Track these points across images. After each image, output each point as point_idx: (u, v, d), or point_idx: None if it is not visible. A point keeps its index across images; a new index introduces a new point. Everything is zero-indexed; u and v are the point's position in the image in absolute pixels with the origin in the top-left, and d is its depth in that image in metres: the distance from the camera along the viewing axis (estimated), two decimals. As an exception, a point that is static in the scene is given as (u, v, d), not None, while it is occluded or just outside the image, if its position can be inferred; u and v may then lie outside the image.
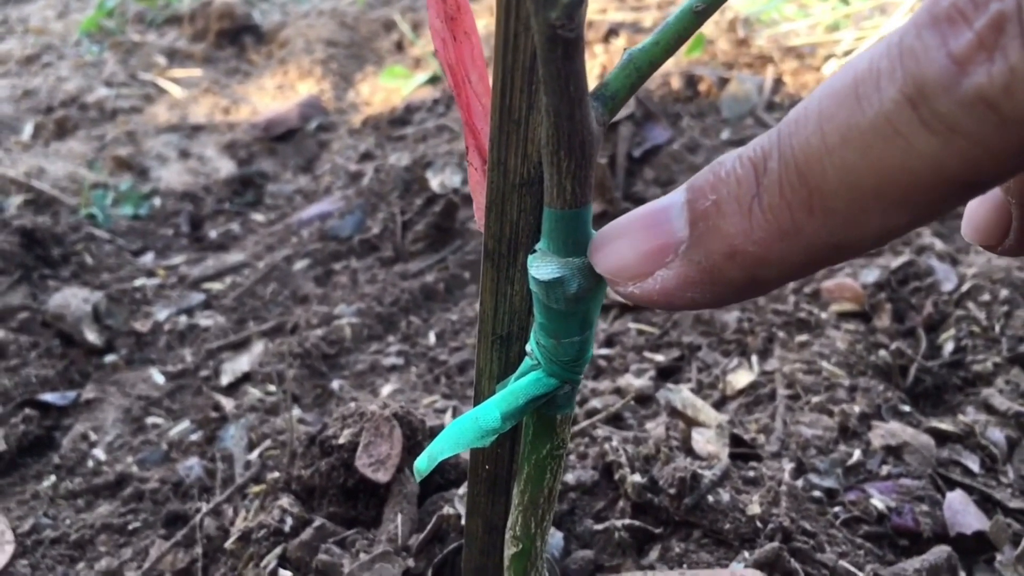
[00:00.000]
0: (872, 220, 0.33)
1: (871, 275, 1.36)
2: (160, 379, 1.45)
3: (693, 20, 0.49)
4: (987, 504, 1.00)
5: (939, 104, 0.29)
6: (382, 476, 0.90)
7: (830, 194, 0.33)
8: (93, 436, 1.32)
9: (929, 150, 0.30)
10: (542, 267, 0.50)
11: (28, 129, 2.44)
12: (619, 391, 1.21)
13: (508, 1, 0.46)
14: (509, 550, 0.68)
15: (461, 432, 0.58)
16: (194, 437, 1.29)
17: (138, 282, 1.74)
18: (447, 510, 0.88)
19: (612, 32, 2.40)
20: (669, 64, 2.20)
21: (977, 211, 0.50)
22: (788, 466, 1.00)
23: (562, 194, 0.48)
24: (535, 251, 0.51)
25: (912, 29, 0.30)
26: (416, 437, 0.95)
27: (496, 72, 0.49)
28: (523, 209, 0.54)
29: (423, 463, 0.60)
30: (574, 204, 0.48)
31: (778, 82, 2.12)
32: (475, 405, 0.60)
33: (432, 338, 1.48)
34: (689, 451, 1.03)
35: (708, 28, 2.33)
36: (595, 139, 0.47)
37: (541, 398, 0.56)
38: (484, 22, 2.52)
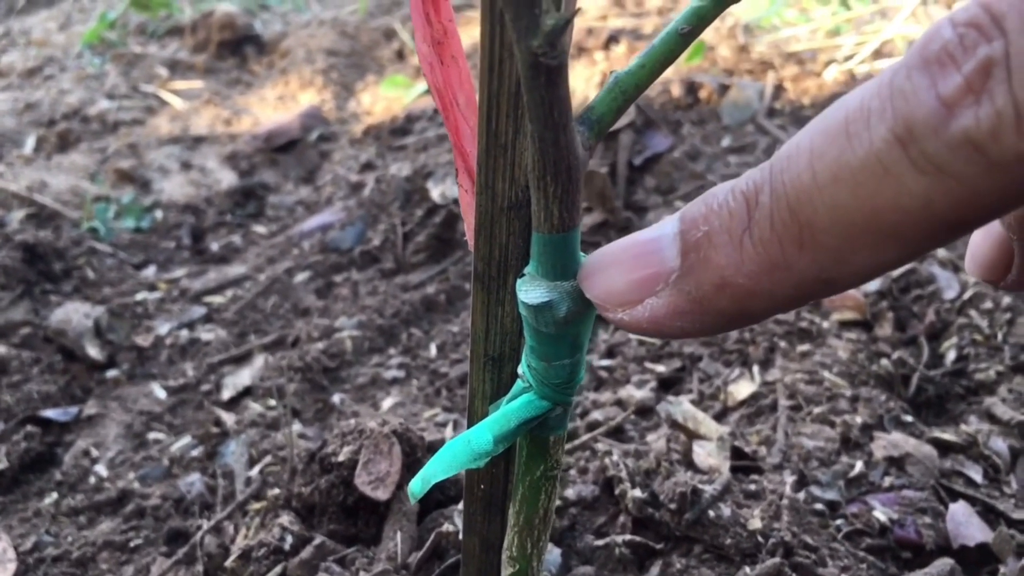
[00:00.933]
0: (862, 256, 0.33)
1: (873, 283, 1.36)
2: (161, 394, 1.45)
3: (679, 42, 0.48)
4: (990, 515, 0.99)
5: (928, 145, 0.30)
6: (381, 494, 0.90)
7: (820, 230, 0.33)
8: (95, 452, 1.32)
9: (918, 189, 0.30)
10: (531, 291, 0.50)
11: (30, 142, 2.44)
12: (620, 403, 1.20)
13: (492, 28, 0.46)
14: (505, 571, 0.68)
15: (454, 455, 0.58)
16: (195, 453, 1.29)
17: (140, 296, 1.75)
18: (446, 527, 0.88)
19: (612, 39, 2.40)
20: (669, 71, 2.20)
21: (980, 247, 0.50)
22: (790, 479, 1.00)
23: (549, 218, 0.47)
24: (523, 275, 0.51)
25: (903, 70, 0.31)
26: (415, 454, 0.94)
27: (482, 97, 0.49)
28: (512, 232, 0.53)
29: (417, 486, 0.59)
30: (561, 228, 0.48)
31: (779, 88, 2.11)
32: (468, 426, 0.60)
33: (433, 350, 1.47)
34: (690, 464, 1.02)
35: (708, 35, 2.33)
36: (581, 164, 0.46)
37: (533, 420, 0.56)
38: (471, 40, 2.52)
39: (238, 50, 3.07)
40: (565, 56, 0.41)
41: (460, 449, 0.57)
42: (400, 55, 2.96)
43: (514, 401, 0.56)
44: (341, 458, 0.93)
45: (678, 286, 0.39)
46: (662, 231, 0.41)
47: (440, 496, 0.97)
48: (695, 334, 0.41)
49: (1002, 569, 0.92)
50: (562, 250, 0.49)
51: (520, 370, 0.56)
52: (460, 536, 0.85)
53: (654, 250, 0.41)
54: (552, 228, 0.48)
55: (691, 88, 2.11)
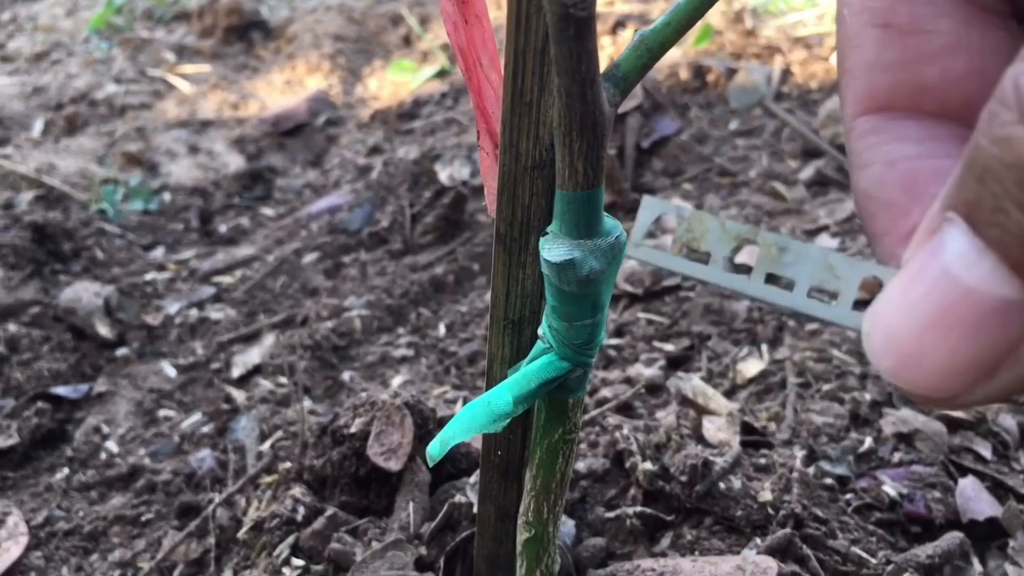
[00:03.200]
0: None
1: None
2: (171, 372, 1.46)
3: (705, 0, 0.49)
4: (1000, 491, 0.99)
5: None
6: (394, 465, 0.90)
7: None
8: (105, 429, 1.33)
9: None
10: (554, 249, 0.50)
11: (38, 126, 2.45)
12: (629, 380, 1.21)
13: (519, -18, 0.46)
14: (521, 536, 0.68)
15: (473, 417, 0.58)
16: (206, 429, 1.29)
17: (149, 276, 1.75)
18: (459, 499, 0.88)
19: (620, 24, 2.40)
20: (677, 55, 2.20)
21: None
22: (799, 454, 1.00)
23: (574, 176, 0.48)
24: (547, 234, 0.51)
25: None
26: (427, 426, 0.95)
27: (508, 54, 0.50)
28: (535, 192, 0.54)
29: (435, 448, 0.60)
30: (586, 186, 0.48)
31: (786, 72, 2.11)
32: (487, 390, 0.60)
33: (442, 329, 1.48)
34: (700, 439, 1.03)
35: (716, 19, 2.33)
36: (607, 120, 0.46)
37: (553, 382, 0.56)
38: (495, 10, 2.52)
39: (245, 35, 3.07)
40: (594, 8, 0.41)
41: (480, 411, 0.58)
42: (407, 40, 2.96)
43: (534, 362, 0.57)
44: (353, 430, 0.94)
45: None
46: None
47: (452, 468, 0.97)
48: None
49: (1011, 543, 0.93)
50: (586, 208, 0.49)
51: (540, 331, 0.56)
52: (475, 506, 0.85)
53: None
54: (576, 185, 0.48)
55: (699, 72, 2.11)
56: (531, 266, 0.57)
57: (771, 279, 0.36)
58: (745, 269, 0.38)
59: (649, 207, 0.42)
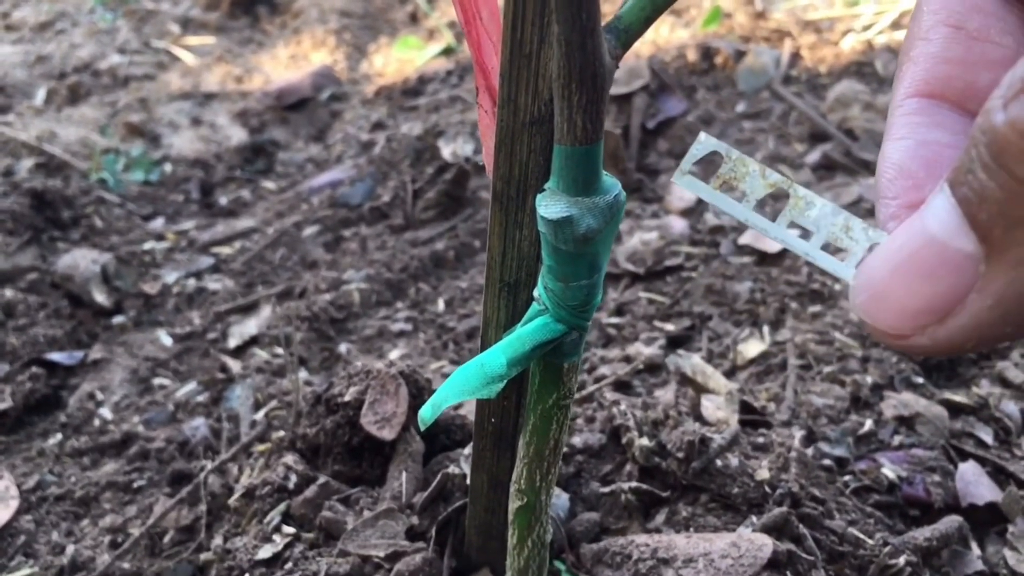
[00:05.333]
0: None
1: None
2: (168, 341, 1.45)
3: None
4: (1000, 476, 0.98)
5: None
6: (387, 434, 0.89)
7: None
8: (100, 396, 1.32)
9: None
10: (551, 206, 0.49)
11: (41, 94, 2.43)
12: (628, 359, 1.20)
13: (520, -75, 0.45)
14: (513, 504, 0.67)
15: (466, 379, 0.57)
16: (200, 398, 1.28)
17: (147, 245, 1.74)
18: (452, 469, 0.87)
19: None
20: (685, 36, 2.18)
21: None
22: (798, 434, 0.99)
23: (572, 130, 0.46)
24: (544, 190, 0.50)
25: None
26: (422, 396, 0.94)
27: (507, 4, 0.48)
28: (533, 149, 0.52)
29: (427, 411, 0.58)
30: (585, 140, 0.46)
31: (795, 56, 2.09)
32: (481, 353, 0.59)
33: (441, 305, 1.47)
34: (698, 417, 1.01)
35: (726, 1, 2.31)
36: (608, 72, 0.45)
37: (548, 344, 0.55)
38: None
39: (251, 9, 3.05)
40: (596, -48, 0.40)
41: (473, 373, 0.56)
42: (413, 17, 2.94)
43: (529, 324, 0.55)
44: (347, 398, 0.93)
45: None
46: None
47: (446, 440, 0.96)
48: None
49: (1010, 528, 0.92)
50: (585, 164, 0.47)
51: (536, 292, 0.55)
52: (467, 477, 0.84)
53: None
54: (575, 140, 0.46)
55: (707, 53, 2.09)
56: (528, 226, 0.56)
57: (793, 227, 0.40)
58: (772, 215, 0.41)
59: (703, 142, 0.44)
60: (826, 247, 0.39)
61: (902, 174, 0.38)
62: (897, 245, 0.33)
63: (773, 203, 1.35)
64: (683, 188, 0.43)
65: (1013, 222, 0.29)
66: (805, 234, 0.39)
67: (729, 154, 0.42)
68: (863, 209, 1.54)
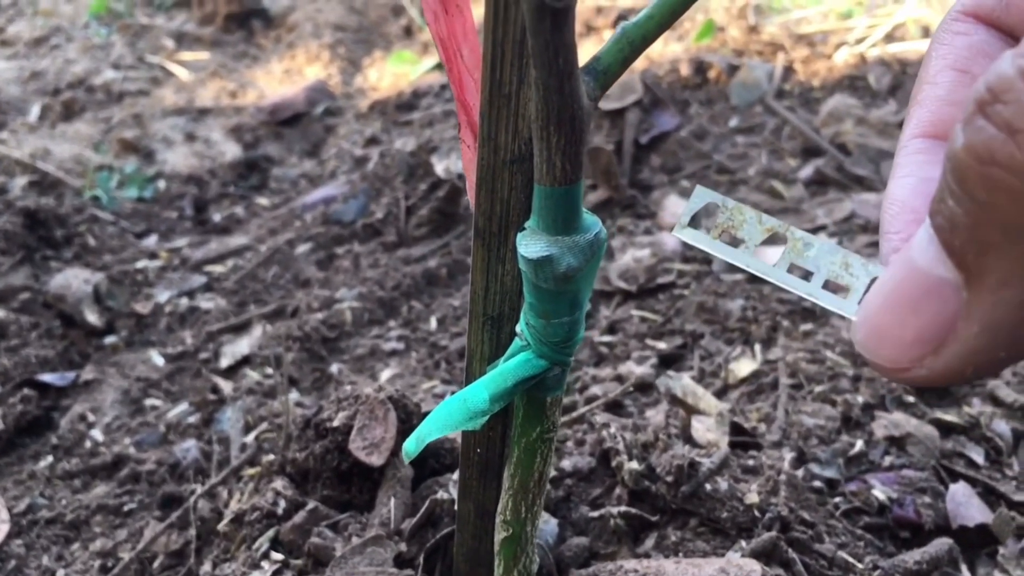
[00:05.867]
0: None
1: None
2: (160, 361, 1.45)
3: (689, -7, 0.47)
4: (991, 497, 0.98)
5: None
6: (376, 459, 0.89)
7: None
8: (91, 417, 1.32)
9: None
10: (531, 245, 0.49)
11: (35, 111, 2.43)
12: (620, 378, 1.20)
13: (497, -29, 0.45)
14: (499, 535, 0.67)
15: (450, 413, 0.57)
16: (192, 419, 1.28)
17: (140, 264, 1.74)
18: (441, 495, 0.87)
19: (622, 18, 2.38)
20: (678, 50, 2.19)
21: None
22: (789, 456, 0.99)
23: (552, 170, 0.46)
24: (524, 229, 0.50)
25: None
26: (411, 421, 0.94)
27: (486, 45, 0.48)
28: (514, 186, 0.53)
29: (411, 445, 0.59)
30: (564, 181, 0.47)
31: (788, 70, 2.10)
32: (465, 386, 0.59)
33: (433, 323, 1.47)
34: (688, 439, 1.01)
35: (719, 15, 2.31)
36: (586, 114, 0.45)
37: (530, 380, 0.55)
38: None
39: (245, 23, 3.05)
40: (572, 0, 0.40)
41: (456, 408, 0.57)
42: (408, 31, 2.95)
43: (512, 360, 0.55)
44: (336, 423, 0.93)
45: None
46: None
47: (435, 464, 0.96)
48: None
49: (1001, 550, 0.91)
50: (564, 204, 0.47)
51: (518, 328, 0.55)
52: (455, 503, 0.84)
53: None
54: (554, 181, 0.47)
55: (700, 68, 2.09)
56: (510, 262, 0.56)
57: (793, 269, 0.41)
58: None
59: (699, 195, 0.45)
60: (827, 286, 0.40)
61: (904, 209, 0.39)
62: (887, 278, 0.34)
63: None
64: (684, 240, 0.44)
65: (983, 247, 0.29)
66: (807, 275, 0.40)
67: (725, 204, 0.43)
68: (855, 225, 1.54)
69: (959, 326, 0.31)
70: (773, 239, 0.43)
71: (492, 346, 0.60)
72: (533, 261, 0.49)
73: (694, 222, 0.44)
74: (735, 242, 0.43)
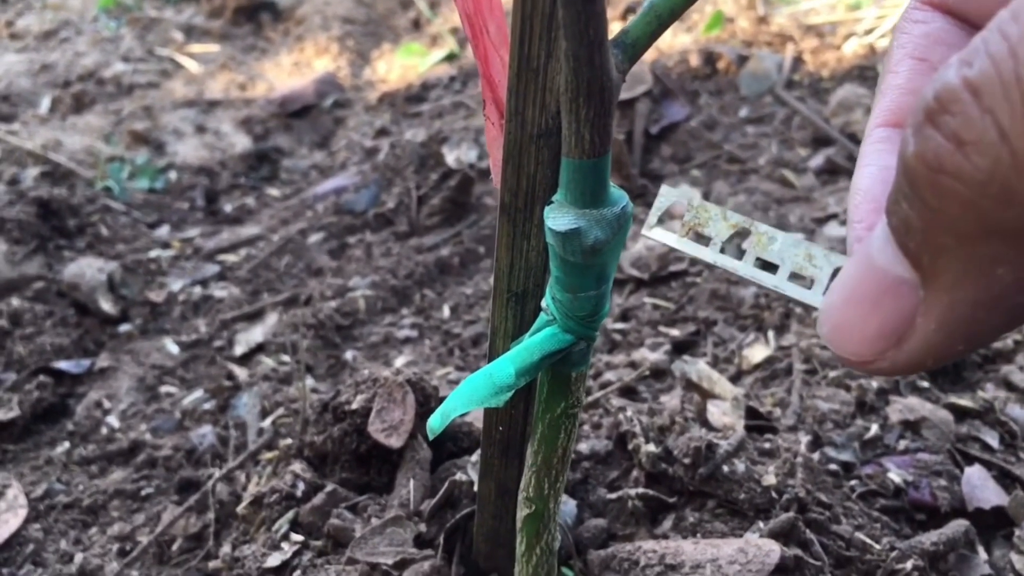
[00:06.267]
0: None
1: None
2: (174, 349, 1.45)
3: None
4: (1006, 480, 0.98)
5: None
6: (395, 441, 0.90)
7: None
8: (107, 404, 1.32)
9: None
10: (559, 218, 0.49)
11: (45, 103, 2.44)
12: (633, 364, 1.20)
13: (528, -58, 0.45)
14: (521, 512, 0.67)
15: (475, 389, 0.57)
16: (207, 406, 1.29)
17: (153, 253, 1.74)
18: (460, 476, 0.87)
19: (630, 10, 2.39)
20: (687, 41, 2.19)
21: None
22: (804, 439, 0.99)
23: (580, 143, 0.47)
24: (552, 202, 0.50)
25: None
26: (429, 403, 0.94)
27: (515, 19, 0.49)
28: (540, 161, 0.53)
29: (436, 421, 0.59)
30: (592, 154, 0.47)
31: (798, 60, 2.10)
32: (488, 364, 0.59)
33: (446, 311, 1.47)
34: (704, 423, 1.02)
35: (728, 6, 2.31)
36: (615, 86, 0.46)
37: (556, 354, 0.55)
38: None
39: (253, 16, 3.05)
40: (603, -32, 0.40)
41: (481, 383, 0.57)
42: (416, 24, 2.95)
43: (537, 334, 0.56)
44: (354, 406, 0.93)
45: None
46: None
47: (453, 447, 0.96)
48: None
49: (1017, 532, 0.92)
50: (592, 176, 0.48)
51: (544, 303, 0.56)
52: (475, 484, 0.85)
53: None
54: (583, 153, 0.47)
55: (709, 58, 2.09)
56: (535, 237, 0.56)
57: (760, 263, 0.42)
58: (739, 253, 0.43)
59: (665, 195, 0.47)
60: (794, 277, 0.41)
61: (868, 199, 0.40)
62: (849, 275, 0.35)
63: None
64: (653, 239, 0.46)
65: (937, 250, 0.30)
66: (774, 266, 0.41)
67: (691, 202, 0.45)
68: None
69: (918, 322, 0.32)
70: (738, 235, 0.43)
71: (516, 323, 0.61)
72: (561, 234, 0.49)
73: (662, 222, 0.46)
74: (703, 240, 0.44)
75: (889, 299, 0.32)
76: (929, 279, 0.31)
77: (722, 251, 0.43)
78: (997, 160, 0.26)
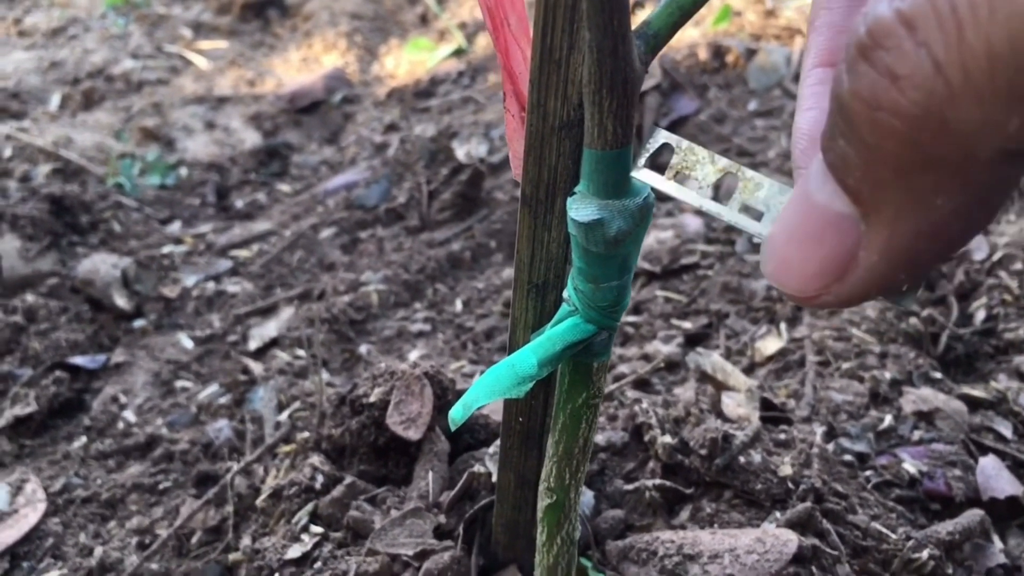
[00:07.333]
0: None
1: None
2: (189, 344, 1.46)
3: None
4: (1020, 470, 0.99)
5: None
6: (413, 434, 0.90)
7: None
8: (123, 399, 1.33)
9: None
10: (581, 209, 0.50)
11: (55, 100, 2.45)
12: (647, 357, 1.20)
13: (552, -66, 0.46)
14: (543, 502, 0.68)
15: (497, 380, 0.58)
16: (223, 400, 1.29)
17: (166, 249, 1.75)
18: (478, 468, 0.88)
19: (638, 4, 2.39)
20: (696, 35, 2.19)
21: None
22: (819, 430, 1.00)
23: (603, 134, 0.47)
24: (574, 193, 0.51)
25: None
26: (446, 396, 0.95)
27: (537, 11, 0.49)
28: (562, 153, 0.53)
29: (458, 412, 0.59)
30: (615, 145, 0.47)
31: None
32: (509, 355, 0.60)
33: (459, 305, 1.48)
34: (719, 414, 1.02)
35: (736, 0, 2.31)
36: (637, 77, 0.46)
37: (578, 344, 0.56)
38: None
39: (262, 12, 3.06)
40: (628, -40, 0.41)
41: (503, 373, 0.57)
42: (424, 19, 2.95)
43: (559, 324, 0.56)
44: (372, 399, 0.94)
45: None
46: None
47: (471, 439, 0.97)
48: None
49: (1032, 521, 0.92)
50: (615, 167, 0.48)
51: (566, 294, 0.56)
52: (493, 476, 0.85)
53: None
54: (606, 144, 0.47)
55: (718, 52, 2.09)
56: (556, 229, 0.56)
57: (745, 209, 0.42)
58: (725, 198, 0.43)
59: (656, 136, 0.47)
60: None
61: (810, 143, 0.39)
62: (790, 212, 0.35)
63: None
64: (640, 179, 0.46)
65: (876, 184, 0.30)
66: (758, 213, 0.41)
67: (679, 144, 0.45)
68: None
69: (860, 255, 0.32)
70: (725, 179, 0.43)
71: (536, 314, 0.61)
72: (584, 225, 0.50)
73: (651, 163, 0.46)
74: (690, 182, 0.44)
75: (831, 234, 0.33)
76: (870, 213, 0.31)
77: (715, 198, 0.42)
78: (932, 93, 0.26)
